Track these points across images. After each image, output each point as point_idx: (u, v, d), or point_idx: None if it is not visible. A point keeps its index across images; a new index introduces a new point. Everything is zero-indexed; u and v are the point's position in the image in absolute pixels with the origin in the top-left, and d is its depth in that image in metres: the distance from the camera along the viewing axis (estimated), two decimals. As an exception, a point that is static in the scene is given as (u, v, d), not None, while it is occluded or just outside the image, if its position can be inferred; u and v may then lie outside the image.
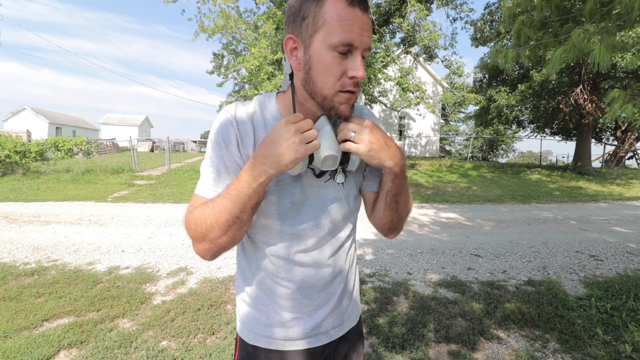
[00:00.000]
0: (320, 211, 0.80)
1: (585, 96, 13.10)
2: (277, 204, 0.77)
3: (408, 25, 12.71)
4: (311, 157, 0.71)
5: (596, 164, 18.87)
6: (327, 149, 0.70)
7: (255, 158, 0.67)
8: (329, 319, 0.87)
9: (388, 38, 14.55)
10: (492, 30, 13.66)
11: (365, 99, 15.29)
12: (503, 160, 30.17)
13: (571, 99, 13.32)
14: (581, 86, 13.07)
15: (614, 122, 18.75)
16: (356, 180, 0.86)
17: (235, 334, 0.93)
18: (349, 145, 0.71)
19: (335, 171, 0.81)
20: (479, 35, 14.08)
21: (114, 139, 24.54)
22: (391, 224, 0.87)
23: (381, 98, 15.17)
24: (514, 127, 19.12)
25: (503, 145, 35.01)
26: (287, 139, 0.64)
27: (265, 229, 0.80)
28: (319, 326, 0.86)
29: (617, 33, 2.31)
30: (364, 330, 2.44)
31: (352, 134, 0.71)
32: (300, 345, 0.85)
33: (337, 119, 0.76)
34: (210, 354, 2.20)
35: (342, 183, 0.82)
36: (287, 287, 0.82)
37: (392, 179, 0.77)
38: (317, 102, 0.71)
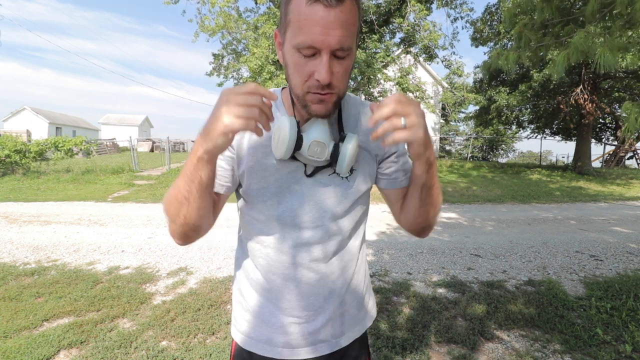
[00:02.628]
0: (320, 204, 0.77)
1: (585, 96, 13.11)
2: (274, 192, 0.75)
3: (408, 25, 12.71)
4: (299, 143, 0.68)
5: (596, 164, 18.86)
6: (315, 135, 0.68)
7: (198, 134, 0.62)
8: (328, 327, 0.83)
9: (388, 38, 14.54)
10: (492, 30, 13.66)
11: (366, 99, 15.27)
12: (503, 160, 30.16)
13: (571, 99, 13.33)
14: (581, 86, 13.08)
15: (613, 122, 18.76)
16: (366, 176, 0.80)
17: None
18: (398, 136, 0.59)
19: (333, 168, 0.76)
20: (478, 35, 14.09)
21: (114, 139, 24.53)
22: (426, 222, 0.80)
23: (381, 98, 15.17)
24: (513, 127, 19.13)
25: (503, 145, 34.99)
26: (222, 105, 0.57)
27: (261, 219, 0.78)
28: (318, 333, 0.82)
29: (621, 34, 2.30)
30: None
31: (403, 121, 0.59)
32: (299, 354, 0.82)
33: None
34: (210, 354, 2.20)
35: (347, 177, 0.77)
36: (284, 288, 0.79)
37: (428, 169, 0.68)
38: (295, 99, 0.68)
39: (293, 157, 0.72)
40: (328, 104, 0.66)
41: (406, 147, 0.76)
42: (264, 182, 0.75)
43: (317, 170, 0.76)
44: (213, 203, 0.74)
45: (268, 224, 0.78)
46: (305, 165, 0.75)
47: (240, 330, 0.86)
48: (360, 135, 0.77)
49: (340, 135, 0.73)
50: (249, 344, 0.83)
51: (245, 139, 0.75)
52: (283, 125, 0.67)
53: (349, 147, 0.69)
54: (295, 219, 0.76)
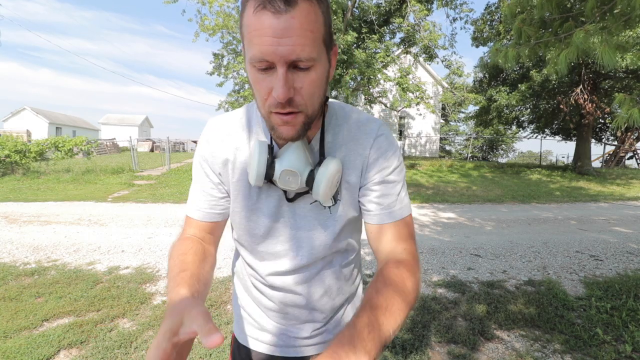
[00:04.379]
0: (301, 235, 0.74)
1: (585, 96, 13.09)
2: (253, 219, 0.74)
3: (408, 26, 12.72)
4: (271, 171, 0.64)
5: (596, 164, 18.87)
6: (287, 163, 0.63)
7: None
8: (317, 336, 0.83)
9: (388, 38, 14.56)
10: (492, 30, 13.66)
11: (365, 99, 15.28)
12: (503, 160, 30.18)
13: (571, 99, 13.32)
14: (581, 86, 13.07)
15: (613, 121, 18.72)
16: (349, 206, 0.73)
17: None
18: None
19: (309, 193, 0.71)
20: (479, 35, 14.10)
21: (114, 139, 24.54)
22: None
23: (381, 98, 15.17)
24: (513, 127, 19.12)
25: (503, 145, 35.01)
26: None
27: (243, 243, 0.79)
28: (307, 338, 0.83)
29: (620, 33, 2.31)
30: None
31: None
32: (290, 352, 0.84)
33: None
34: (210, 354, 2.20)
35: (330, 207, 0.72)
36: (270, 302, 0.81)
37: None
38: None
39: (272, 182, 0.68)
40: (295, 125, 0.59)
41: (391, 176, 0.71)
42: (245, 210, 0.73)
43: (299, 195, 0.71)
44: (212, 231, 0.77)
45: (249, 249, 0.78)
46: (285, 190, 0.71)
47: (238, 325, 0.90)
48: (344, 155, 0.70)
49: (320, 159, 0.66)
50: (245, 340, 0.87)
51: (229, 166, 0.73)
52: (254, 152, 0.64)
53: (324, 173, 0.63)
54: (275, 249, 0.75)
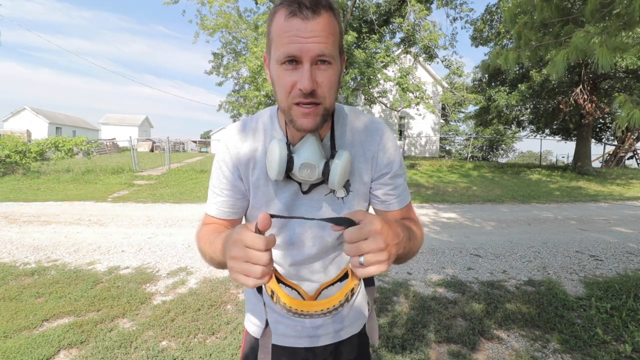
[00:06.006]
0: (316, 225, 0.81)
1: (585, 96, 13.10)
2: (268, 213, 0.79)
3: (408, 25, 12.72)
4: (290, 165, 0.71)
5: (596, 164, 18.86)
6: (305, 157, 0.70)
7: (227, 242, 0.60)
8: (328, 325, 0.89)
9: (388, 38, 14.56)
10: (492, 31, 13.67)
11: (365, 99, 15.28)
12: (503, 160, 30.17)
13: (571, 99, 13.32)
14: (581, 86, 13.07)
15: (613, 122, 18.75)
16: (360, 198, 0.83)
17: (240, 328, 0.98)
18: (362, 272, 0.54)
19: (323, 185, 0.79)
20: (477, 35, 14.10)
21: (114, 139, 24.53)
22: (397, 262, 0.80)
23: (381, 98, 15.17)
24: (513, 127, 19.12)
25: (503, 145, 34.99)
26: (235, 261, 0.54)
27: None
28: (317, 328, 0.89)
29: (619, 34, 2.31)
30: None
31: (361, 259, 0.53)
32: (300, 343, 0.89)
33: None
34: (210, 354, 2.20)
35: (343, 198, 0.81)
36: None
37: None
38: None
39: (289, 177, 0.76)
40: (315, 117, 0.67)
41: (398, 167, 0.82)
42: (265, 204, 0.80)
43: (313, 187, 0.79)
44: (229, 228, 0.81)
45: None
46: (300, 183, 0.79)
47: (249, 319, 0.95)
48: (354, 151, 0.79)
49: (332, 153, 0.74)
50: (257, 332, 0.92)
51: (251, 165, 0.80)
52: (273, 149, 0.71)
53: (338, 164, 0.71)
54: (294, 239, 0.82)
